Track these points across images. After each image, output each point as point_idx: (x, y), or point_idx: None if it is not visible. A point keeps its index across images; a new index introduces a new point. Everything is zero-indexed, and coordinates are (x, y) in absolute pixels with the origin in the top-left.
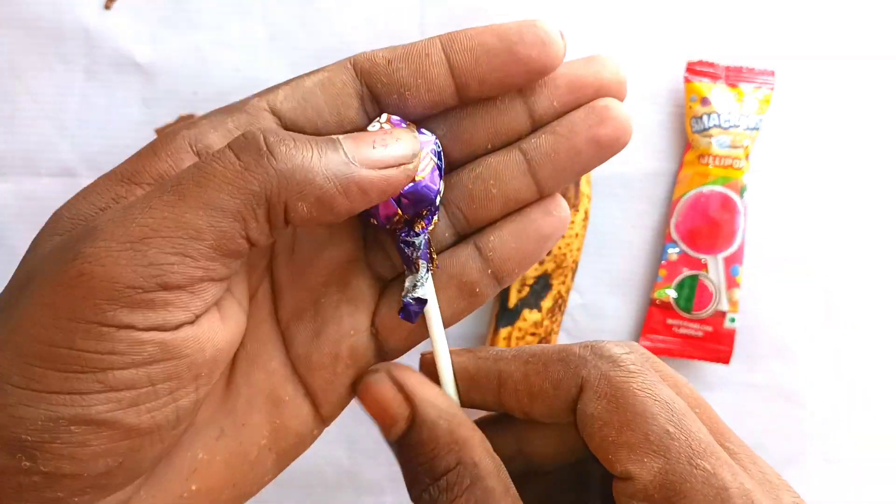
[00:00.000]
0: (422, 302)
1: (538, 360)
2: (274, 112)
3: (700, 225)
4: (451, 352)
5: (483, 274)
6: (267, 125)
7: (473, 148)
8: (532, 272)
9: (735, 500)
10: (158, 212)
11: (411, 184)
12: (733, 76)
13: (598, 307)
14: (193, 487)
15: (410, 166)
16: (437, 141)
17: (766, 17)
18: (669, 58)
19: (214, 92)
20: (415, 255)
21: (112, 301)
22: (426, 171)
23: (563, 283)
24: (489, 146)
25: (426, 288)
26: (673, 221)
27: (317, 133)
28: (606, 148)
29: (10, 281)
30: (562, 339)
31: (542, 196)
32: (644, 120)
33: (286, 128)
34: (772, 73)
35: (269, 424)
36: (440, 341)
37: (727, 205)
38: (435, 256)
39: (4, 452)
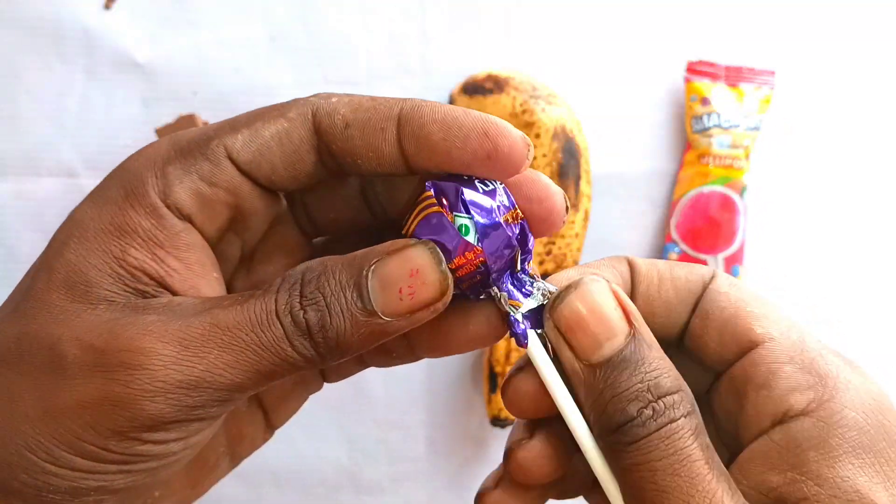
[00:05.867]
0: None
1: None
2: (233, 160)
3: (700, 225)
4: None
5: None
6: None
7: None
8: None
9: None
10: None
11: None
12: (733, 76)
13: None
14: (157, 494)
15: (440, 304)
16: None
17: (766, 17)
18: (669, 58)
19: (214, 92)
20: (531, 284)
21: (148, 429)
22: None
23: None
24: None
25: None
26: (673, 221)
27: (270, 183)
28: None
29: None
30: None
31: None
32: (644, 120)
33: (243, 172)
34: (772, 73)
35: (227, 435)
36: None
37: (727, 205)
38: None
39: (23, 503)
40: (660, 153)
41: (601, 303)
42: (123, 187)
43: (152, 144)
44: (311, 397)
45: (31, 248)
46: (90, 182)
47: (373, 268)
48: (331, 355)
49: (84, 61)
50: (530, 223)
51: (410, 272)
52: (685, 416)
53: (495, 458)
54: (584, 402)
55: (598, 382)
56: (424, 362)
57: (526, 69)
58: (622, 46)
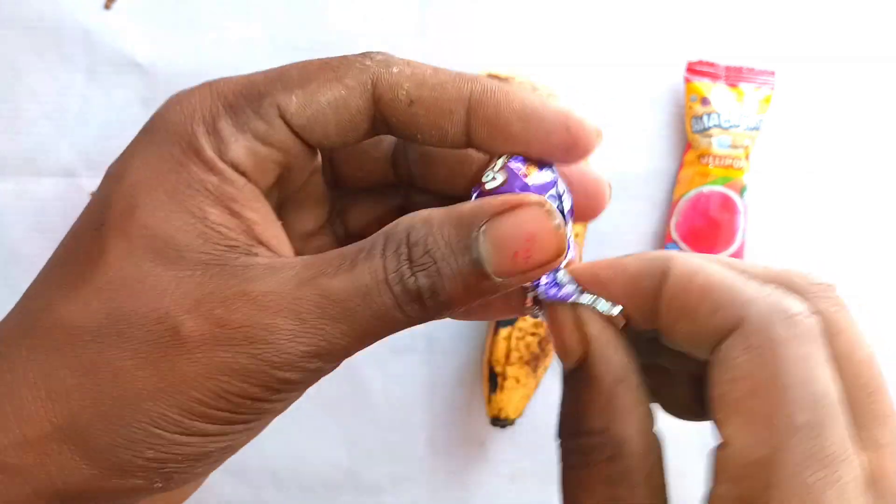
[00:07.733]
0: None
1: (715, 271)
2: (286, 122)
3: (700, 225)
4: (603, 263)
5: None
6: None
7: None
8: None
9: None
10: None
11: None
12: (733, 76)
13: None
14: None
15: (556, 262)
16: (559, 182)
17: (766, 17)
18: (669, 58)
19: None
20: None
21: (277, 392)
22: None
23: None
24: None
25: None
26: (673, 221)
27: (319, 145)
28: None
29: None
30: None
31: None
32: (644, 120)
33: (294, 132)
34: (772, 73)
35: None
36: None
37: (727, 205)
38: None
39: (144, 478)
40: (660, 153)
41: (561, 321)
42: (177, 143)
43: (190, 95)
44: (311, 397)
45: (32, 248)
46: (90, 182)
47: (483, 228)
48: (438, 314)
49: (84, 61)
50: (576, 209)
51: (526, 237)
52: (601, 464)
53: (495, 458)
54: None
55: (562, 392)
56: (424, 362)
57: (526, 69)
58: (622, 46)
